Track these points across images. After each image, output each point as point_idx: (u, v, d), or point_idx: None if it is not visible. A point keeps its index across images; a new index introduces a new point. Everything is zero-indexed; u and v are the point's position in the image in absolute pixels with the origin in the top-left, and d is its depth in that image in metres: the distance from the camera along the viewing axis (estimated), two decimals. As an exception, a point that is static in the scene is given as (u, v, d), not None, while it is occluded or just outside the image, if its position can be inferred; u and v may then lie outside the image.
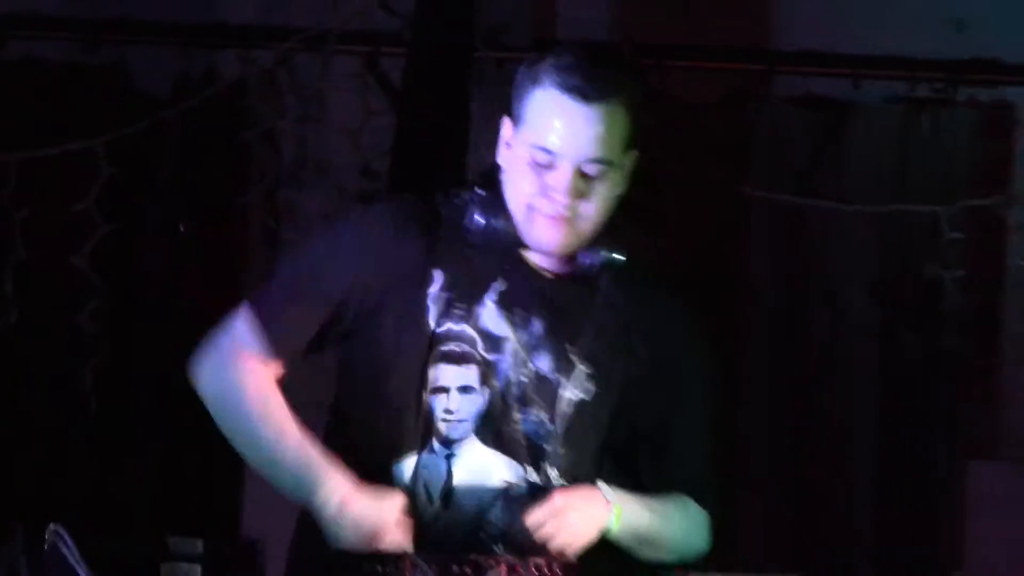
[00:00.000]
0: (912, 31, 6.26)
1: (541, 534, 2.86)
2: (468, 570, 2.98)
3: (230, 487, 5.83)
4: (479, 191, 3.23)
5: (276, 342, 3.12)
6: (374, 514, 3.03)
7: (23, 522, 4.58)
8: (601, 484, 3.03)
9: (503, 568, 3.01)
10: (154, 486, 5.83)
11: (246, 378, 3.20)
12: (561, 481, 3.28)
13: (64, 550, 4.35)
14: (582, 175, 2.93)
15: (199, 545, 5.21)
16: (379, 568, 3.06)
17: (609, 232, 3.08)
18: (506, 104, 3.44)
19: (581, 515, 2.92)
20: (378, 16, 6.01)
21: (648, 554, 3.25)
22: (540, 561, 3.00)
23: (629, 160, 2.98)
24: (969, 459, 6.26)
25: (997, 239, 6.12)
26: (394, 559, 3.01)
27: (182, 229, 5.98)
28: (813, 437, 6.19)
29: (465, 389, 3.24)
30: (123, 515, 5.61)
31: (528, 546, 2.99)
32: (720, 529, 4.91)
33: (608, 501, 2.94)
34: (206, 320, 4.33)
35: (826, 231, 6.06)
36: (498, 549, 3.13)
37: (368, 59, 5.89)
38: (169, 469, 5.74)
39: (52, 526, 4.23)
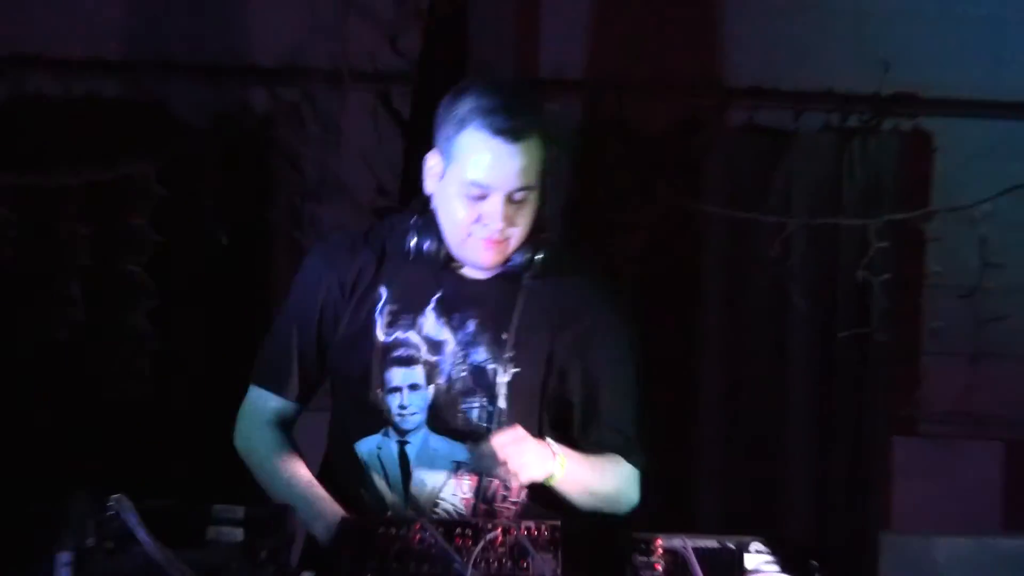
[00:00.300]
0: (844, 70, 6.79)
1: (502, 453, 3.70)
2: (469, 532, 3.55)
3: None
4: (416, 217, 4.07)
5: (286, 394, 4.16)
6: None
7: (91, 492, 5.12)
8: (548, 439, 3.87)
9: (499, 530, 3.56)
10: (201, 461, 6.10)
11: (264, 443, 4.35)
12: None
13: (126, 516, 3.79)
14: (511, 202, 3.77)
15: (240, 511, 4.25)
16: (392, 531, 3.62)
17: (530, 236, 3.96)
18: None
19: (535, 451, 3.75)
20: (388, 57, 6.60)
21: (588, 503, 4.01)
22: (530, 523, 3.63)
23: (542, 179, 3.86)
24: (894, 435, 6.87)
25: (917, 247, 6.80)
26: (405, 523, 3.63)
27: (224, 241, 6.44)
28: (764, 416, 6.73)
29: (414, 387, 4.17)
30: (175, 486, 4.85)
31: (486, 471, 4.05)
32: (680, 492, 5.75)
33: (554, 452, 3.77)
34: (241, 312, 5.82)
35: (762, 238, 6.65)
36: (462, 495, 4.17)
37: (380, 94, 6.39)
38: (212, 447, 6.00)
39: (116, 495, 3.92)
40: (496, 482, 4.47)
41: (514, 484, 4.24)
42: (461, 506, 4.40)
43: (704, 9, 7.44)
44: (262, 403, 4.46)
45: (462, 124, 4.11)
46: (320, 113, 6.67)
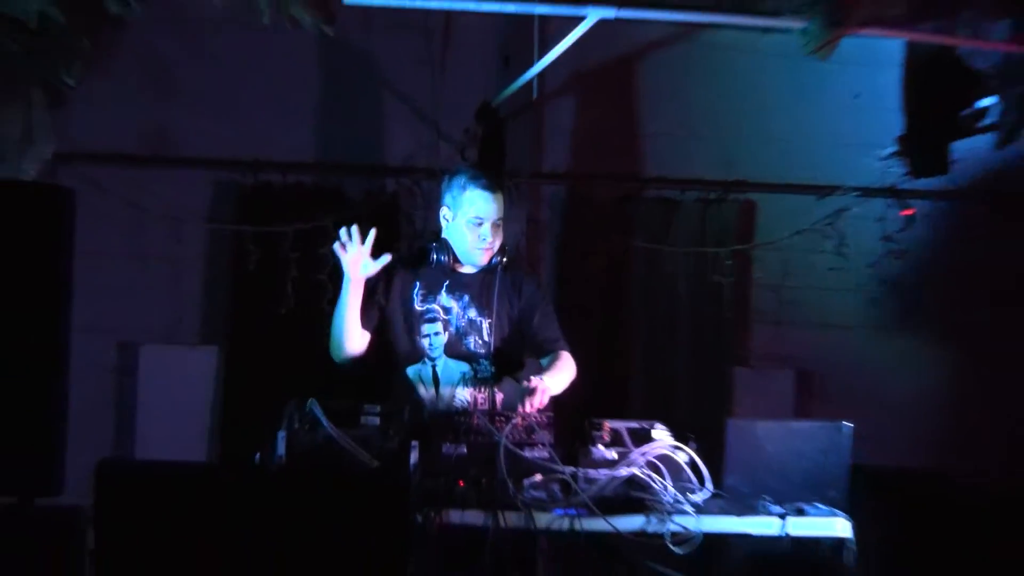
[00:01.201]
0: (708, 166, 9.81)
1: (538, 400, 6.18)
2: (503, 418, 5.90)
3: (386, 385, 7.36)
4: (435, 243, 6.73)
5: (366, 325, 6.67)
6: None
7: (296, 399, 6.25)
8: (534, 377, 6.33)
9: (518, 419, 5.87)
10: (352, 383, 7.30)
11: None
12: (490, 368, 6.76)
13: (315, 410, 6.05)
14: (494, 226, 6.47)
15: (377, 408, 6.37)
16: (456, 416, 6.14)
17: (499, 251, 6.69)
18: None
19: (545, 393, 6.19)
20: (459, 161, 9.12)
21: (561, 387, 6.59)
22: (536, 413, 6.15)
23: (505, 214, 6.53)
24: (735, 366, 9.88)
25: (747, 263, 9.74)
26: (464, 411, 6.14)
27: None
28: (667, 356, 10.06)
29: (436, 334, 6.68)
30: (342, 394, 6.55)
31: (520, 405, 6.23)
32: (614, 396, 9.40)
33: (543, 381, 6.25)
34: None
35: (665, 260, 9.75)
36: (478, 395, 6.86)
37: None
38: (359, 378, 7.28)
39: (311, 399, 6.18)
40: (481, 392, 7.03)
41: (531, 407, 6.38)
42: (466, 401, 6.90)
43: (631, 139, 10.10)
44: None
45: (464, 187, 6.73)
46: (424, 192, 9.18)
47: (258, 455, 6.12)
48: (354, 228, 6.52)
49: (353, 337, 6.74)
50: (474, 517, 5.77)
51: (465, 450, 5.99)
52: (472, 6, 7.86)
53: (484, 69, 9.24)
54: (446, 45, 9.30)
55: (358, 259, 6.57)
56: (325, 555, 5.33)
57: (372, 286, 6.89)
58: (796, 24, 7.68)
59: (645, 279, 9.60)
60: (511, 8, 7.79)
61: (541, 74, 8.63)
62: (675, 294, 9.64)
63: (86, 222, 5.81)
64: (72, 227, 5.61)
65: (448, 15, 8.92)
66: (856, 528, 6.14)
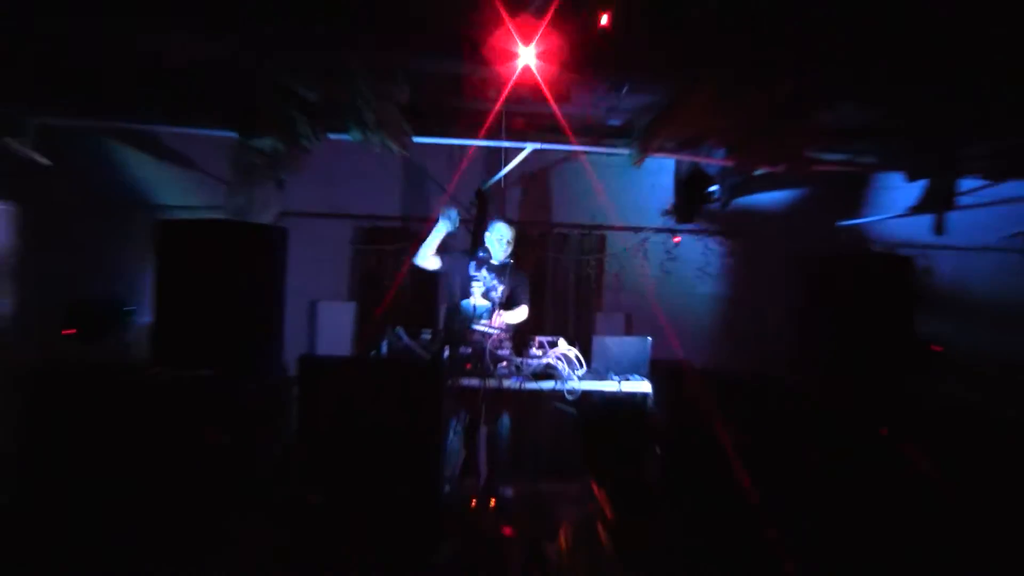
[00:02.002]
0: (580, 212, 10.22)
1: (492, 322, 7.45)
2: (489, 335, 7.23)
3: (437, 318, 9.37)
4: (482, 248, 7.95)
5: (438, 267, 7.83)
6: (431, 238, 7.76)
7: (390, 327, 7.02)
8: (504, 312, 7.60)
9: (495, 336, 7.28)
10: (416, 321, 9.00)
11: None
12: (498, 306, 7.65)
13: (400, 334, 6.94)
14: (508, 243, 7.82)
15: (429, 332, 7.23)
16: (477, 334, 7.30)
17: (510, 255, 7.89)
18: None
19: (499, 316, 7.50)
20: (468, 213, 9.74)
21: (518, 320, 7.66)
22: (501, 326, 7.43)
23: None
24: (595, 312, 10.26)
25: (602, 263, 10.20)
26: (483, 335, 7.28)
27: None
28: (564, 309, 10.19)
29: (477, 287, 7.62)
30: (411, 325, 7.28)
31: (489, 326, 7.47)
32: (539, 326, 10.01)
33: (503, 316, 7.48)
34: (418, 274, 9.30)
35: (562, 263, 10.19)
36: (485, 323, 7.48)
37: (465, 223, 9.38)
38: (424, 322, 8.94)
39: (397, 327, 7.05)
40: (495, 322, 7.48)
41: (496, 322, 7.47)
42: (487, 320, 7.49)
43: (546, 204, 10.33)
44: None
45: (493, 221, 7.96)
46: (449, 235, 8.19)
47: (374, 352, 7.24)
48: (452, 216, 7.62)
49: (428, 256, 7.68)
50: (473, 382, 6.96)
51: (470, 350, 7.22)
52: (471, 142, 8.84)
53: (477, 171, 10.00)
54: (460, 159, 9.83)
55: (444, 228, 7.64)
56: (406, 402, 5.84)
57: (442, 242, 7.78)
58: (625, 150, 8.62)
59: (553, 271, 10.41)
60: (491, 143, 8.66)
61: (506, 175, 9.45)
62: (568, 279, 10.45)
63: (294, 244, 6.59)
64: (286, 246, 6.29)
65: (461, 147, 9.34)
66: (652, 387, 7.06)
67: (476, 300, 7.57)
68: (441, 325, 8.14)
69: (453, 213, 7.61)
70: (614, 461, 6.63)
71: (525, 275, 8.03)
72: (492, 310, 7.51)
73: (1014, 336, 9.80)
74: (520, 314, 7.77)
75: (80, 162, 8.83)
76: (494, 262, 7.76)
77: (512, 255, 7.87)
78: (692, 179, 9.76)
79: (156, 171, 9.25)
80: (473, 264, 7.73)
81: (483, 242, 7.92)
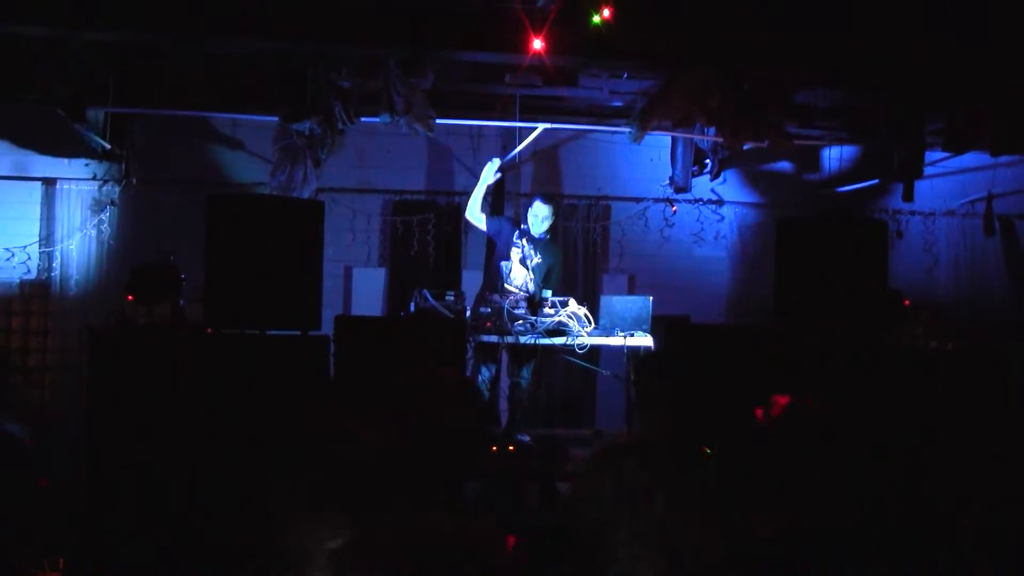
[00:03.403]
0: (588, 188, 10.18)
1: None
2: (507, 297, 7.53)
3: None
4: (524, 221, 7.97)
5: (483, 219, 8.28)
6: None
7: (418, 288, 7.07)
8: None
9: (511, 298, 7.42)
10: (441, 284, 8.46)
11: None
12: (534, 273, 7.73)
13: (426, 294, 6.96)
14: (544, 219, 7.81)
15: (453, 293, 7.09)
16: (496, 296, 7.43)
17: (547, 232, 8.05)
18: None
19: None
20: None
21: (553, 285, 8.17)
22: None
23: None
24: (603, 273, 10.18)
25: (607, 235, 10.23)
26: (510, 293, 7.56)
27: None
28: (576, 276, 10.16)
29: (517, 252, 7.68)
30: (437, 288, 7.25)
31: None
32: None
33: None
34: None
35: (571, 229, 10.23)
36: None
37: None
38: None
39: (423, 289, 7.06)
40: (526, 285, 7.70)
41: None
42: (517, 283, 7.64)
43: (556, 177, 10.39)
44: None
45: (531, 201, 7.99)
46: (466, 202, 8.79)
47: (403, 312, 7.56)
48: (496, 161, 7.97)
49: (476, 209, 7.90)
50: (492, 338, 7.05)
51: (490, 310, 7.17)
52: (488, 123, 9.38)
53: (494, 150, 9.93)
54: (479, 139, 10.16)
55: (490, 173, 7.89)
56: (434, 353, 5.85)
57: (489, 193, 8.33)
58: (627, 128, 8.71)
59: (563, 238, 10.20)
60: (506, 124, 9.15)
61: (520, 152, 9.70)
62: (577, 244, 10.35)
63: (331, 216, 7.27)
64: (323, 218, 6.23)
65: (480, 127, 9.86)
66: (655, 341, 7.03)
67: (513, 264, 7.77)
68: (483, 284, 8.14)
69: (496, 160, 8.20)
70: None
71: (560, 252, 8.51)
72: (529, 271, 7.80)
73: (970, 289, 10.37)
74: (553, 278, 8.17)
75: (144, 144, 9.30)
76: (533, 235, 7.89)
77: (550, 230, 8.05)
78: (686, 154, 9.70)
79: (208, 152, 9.73)
80: (517, 232, 7.90)
81: (504, 211, 8.84)
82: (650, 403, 3.50)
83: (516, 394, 7.75)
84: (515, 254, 7.77)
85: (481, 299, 7.59)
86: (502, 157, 9.42)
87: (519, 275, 7.74)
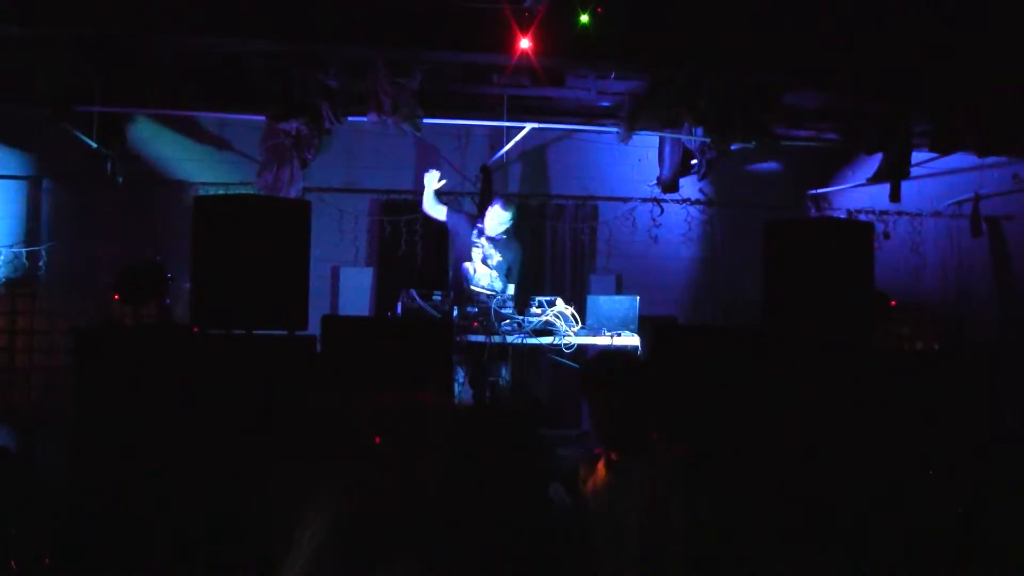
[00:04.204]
0: (576, 188, 10.37)
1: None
2: (493, 296, 8.02)
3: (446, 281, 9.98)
4: (479, 220, 8.07)
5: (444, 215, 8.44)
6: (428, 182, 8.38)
7: (404, 288, 7.09)
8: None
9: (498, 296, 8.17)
10: (427, 283, 9.29)
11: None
12: (497, 271, 7.89)
13: (413, 294, 6.99)
14: (501, 224, 7.92)
15: (440, 293, 7.13)
16: (483, 295, 7.62)
17: (504, 233, 8.13)
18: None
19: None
20: (474, 188, 10.38)
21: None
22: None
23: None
24: (590, 273, 10.35)
25: (594, 234, 10.41)
26: (487, 295, 7.72)
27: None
28: (564, 276, 10.54)
29: (479, 255, 7.93)
30: (424, 287, 7.45)
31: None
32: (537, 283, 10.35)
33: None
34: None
35: (560, 229, 10.47)
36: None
37: (472, 196, 10.23)
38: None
39: (410, 289, 7.08)
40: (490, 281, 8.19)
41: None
42: (482, 290, 7.79)
43: (544, 178, 10.48)
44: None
45: (494, 202, 8.03)
46: (457, 200, 9.92)
47: (389, 313, 7.66)
48: (434, 172, 8.07)
49: (431, 202, 8.09)
50: (479, 338, 6.99)
51: (476, 309, 7.17)
52: (477, 123, 9.43)
53: (482, 150, 10.25)
54: (467, 139, 10.23)
55: (432, 181, 8.03)
56: (420, 353, 5.65)
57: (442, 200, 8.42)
58: (614, 129, 8.81)
59: (551, 238, 10.49)
60: (494, 124, 9.17)
61: (507, 152, 9.71)
62: (565, 244, 10.48)
63: (318, 216, 6.73)
64: (310, 217, 6.01)
65: (468, 127, 9.94)
66: (641, 340, 7.07)
67: (476, 265, 7.90)
68: (450, 283, 8.18)
69: (435, 171, 8.25)
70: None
71: (520, 247, 8.35)
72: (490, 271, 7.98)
73: (956, 289, 10.44)
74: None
75: (128, 145, 9.29)
76: (488, 233, 7.98)
77: (508, 231, 8.11)
78: (674, 154, 9.57)
79: (195, 152, 9.70)
80: (475, 231, 8.02)
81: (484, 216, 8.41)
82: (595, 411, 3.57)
83: (498, 394, 7.67)
84: (476, 254, 7.87)
85: (458, 297, 7.57)
86: (489, 157, 9.79)
87: (483, 275, 7.86)
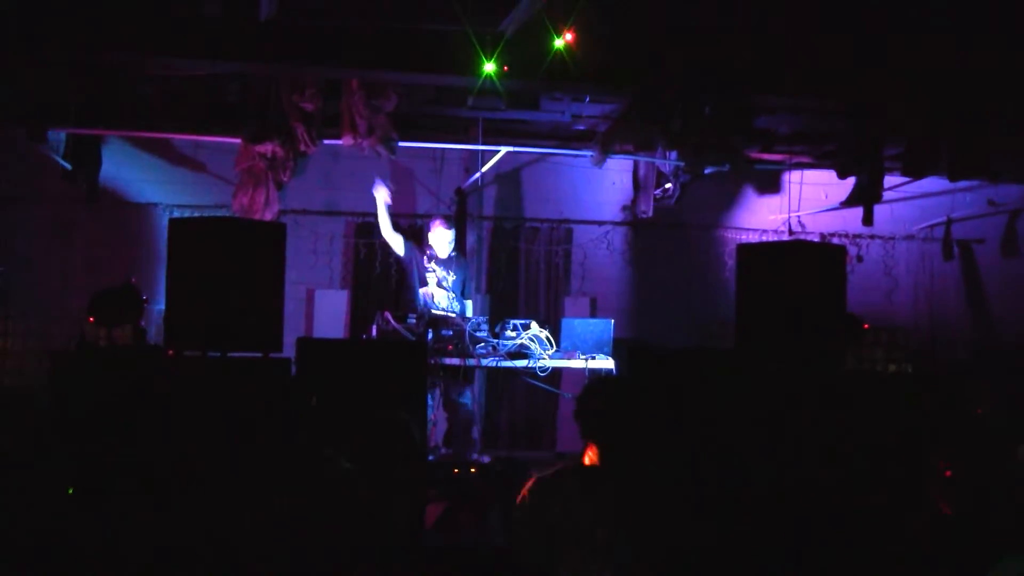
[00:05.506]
0: (550, 212, 10.40)
1: None
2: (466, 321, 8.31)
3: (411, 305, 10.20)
4: (427, 245, 8.12)
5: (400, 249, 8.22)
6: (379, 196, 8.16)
7: (379, 312, 7.62)
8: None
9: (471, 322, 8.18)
10: (402, 308, 9.64)
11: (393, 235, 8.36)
12: (453, 292, 8.04)
13: (388, 317, 7.03)
14: (447, 242, 7.97)
15: (414, 316, 7.26)
16: (448, 321, 7.46)
17: (453, 249, 8.24)
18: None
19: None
20: (449, 210, 10.28)
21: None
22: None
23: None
24: (564, 296, 10.35)
25: (569, 254, 10.41)
26: (451, 318, 7.55)
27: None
28: (542, 297, 10.75)
29: (433, 280, 8.01)
30: (399, 311, 7.62)
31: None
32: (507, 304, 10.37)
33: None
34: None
35: (533, 253, 10.66)
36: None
37: (446, 219, 8.61)
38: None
39: (385, 312, 7.25)
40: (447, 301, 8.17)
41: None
42: (442, 305, 7.94)
43: (518, 200, 10.54)
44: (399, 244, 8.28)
45: (433, 223, 8.10)
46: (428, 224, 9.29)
47: (364, 335, 7.81)
48: (383, 187, 7.78)
49: (389, 230, 7.84)
50: (454, 360, 7.05)
51: (451, 332, 7.15)
52: (451, 146, 9.42)
53: (457, 173, 10.26)
54: (442, 162, 10.25)
55: (382, 196, 7.76)
56: (395, 376, 5.61)
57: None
58: (588, 152, 8.87)
59: (525, 261, 10.53)
60: (469, 147, 9.23)
61: (482, 174, 9.69)
62: (539, 267, 10.57)
63: (293, 238, 6.81)
64: (285, 240, 5.86)
65: (443, 150, 9.93)
66: (616, 364, 7.12)
67: (432, 288, 7.97)
68: (420, 309, 8.12)
69: (381, 186, 8.00)
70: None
71: (466, 262, 8.66)
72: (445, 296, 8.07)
73: (929, 312, 10.49)
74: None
75: (103, 167, 9.12)
76: (438, 256, 8.05)
77: (454, 249, 8.29)
78: (646, 179, 9.58)
79: (170, 174, 9.72)
80: (425, 257, 8.06)
81: (454, 240, 8.24)
82: (588, 431, 3.56)
83: (461, 414, 7.79)
84: (431, 278, 7.92)
85: (433, 323, 7.54)
86: (464, 180, 9.83)
87: (441, 298, 7.88)
